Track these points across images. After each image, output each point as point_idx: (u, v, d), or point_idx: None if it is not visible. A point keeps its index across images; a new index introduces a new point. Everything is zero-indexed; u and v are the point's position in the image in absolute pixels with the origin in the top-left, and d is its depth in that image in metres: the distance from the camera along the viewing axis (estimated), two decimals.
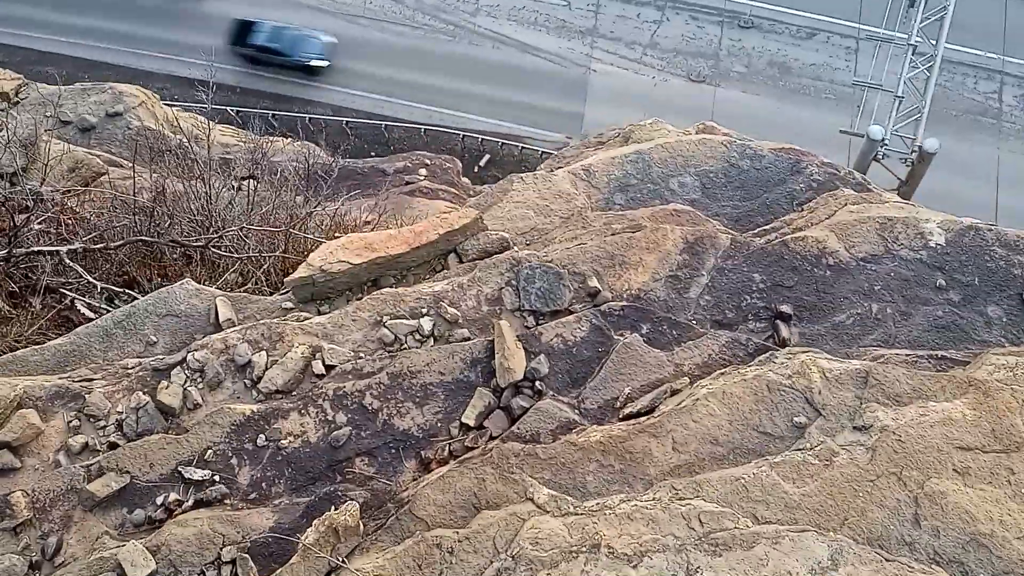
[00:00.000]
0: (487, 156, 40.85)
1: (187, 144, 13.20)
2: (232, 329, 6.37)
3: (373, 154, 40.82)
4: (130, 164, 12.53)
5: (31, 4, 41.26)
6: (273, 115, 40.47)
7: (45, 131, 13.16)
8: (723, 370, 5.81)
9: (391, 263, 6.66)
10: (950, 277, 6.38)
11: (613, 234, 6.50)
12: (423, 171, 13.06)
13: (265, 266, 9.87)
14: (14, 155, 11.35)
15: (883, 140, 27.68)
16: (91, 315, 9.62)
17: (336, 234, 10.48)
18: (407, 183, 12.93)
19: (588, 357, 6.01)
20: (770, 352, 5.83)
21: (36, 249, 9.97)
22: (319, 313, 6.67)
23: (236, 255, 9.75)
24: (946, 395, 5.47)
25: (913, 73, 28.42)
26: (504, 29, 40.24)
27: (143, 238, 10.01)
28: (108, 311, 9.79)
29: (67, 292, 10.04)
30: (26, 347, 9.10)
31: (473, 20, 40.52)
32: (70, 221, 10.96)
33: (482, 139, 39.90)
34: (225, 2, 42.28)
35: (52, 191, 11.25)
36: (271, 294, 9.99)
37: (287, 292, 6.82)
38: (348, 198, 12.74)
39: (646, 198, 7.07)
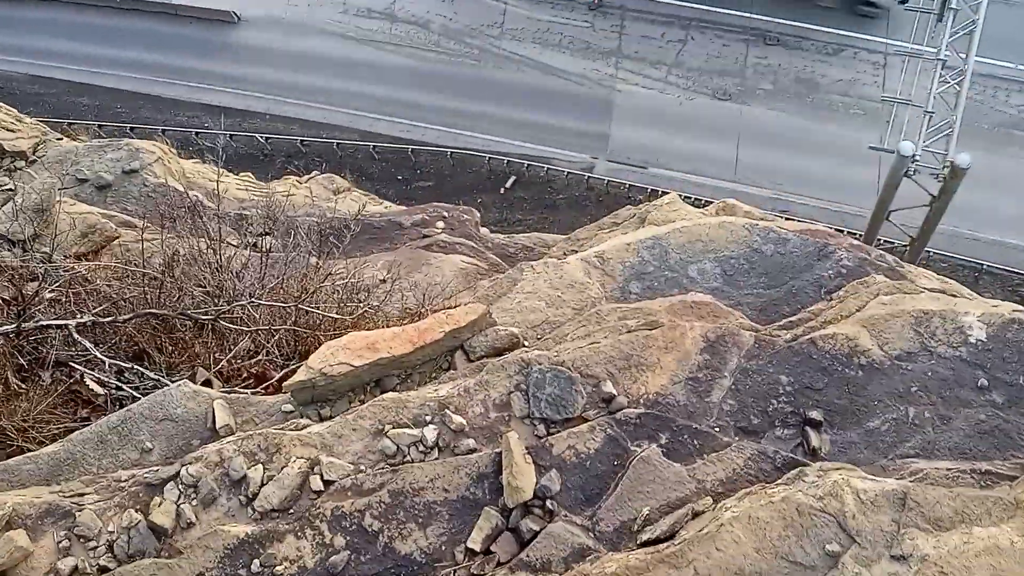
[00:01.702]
0: (513, 178, 40.71)
1: (201, 201, 13.05)
2: (228, 439, 6.08)
3: (400, 177, 40.90)
4: (145, 224, 12.41)
5: (66, 37, 41.93)
6: (302, 141, 40.75)
7: (60, 190, 13.09)
8: (749, 489, 5.40)
9: (395, 363, 6.33)
10: (992, 376, 5.91)
11: (628, 331, 6.12)
12: (440, 223, 12.77)
13: (276, 337, 9.63)
14: (26, 221, 11.26)
15: (914, 156, 27.01)
16: (99, 390, 9.43)
17: (348, 304, 10.23)
18: (424, 236, 12.63)
19: (603, 471, 5.63)
20: (799, 468, 5.41)
21: (45, 323, 9.80)
22: (320, 416, 6.36)
23: (245, 328, 9.51)
24: (992, 519, 5.02)
25: (943, 88, 27.73)
26: (529, 51, 40.13)
27: (152, 311, 9.81)
28: (117, 385, 9.63)
29: (76, 366, 9.87)
30: (34, 426, 8.93)
31: (498, 43, 40.43)
32: (81, 289, 10.83)
33: (508, 161, 39.82)
34: (253, 31, 42.69)
35: (63, 258, 11.15)
36: (283, 365, 9.79)
37: (287, 394, 6.51)
38: (362, 255, 12.49)
39: (664, 287, 6.68)
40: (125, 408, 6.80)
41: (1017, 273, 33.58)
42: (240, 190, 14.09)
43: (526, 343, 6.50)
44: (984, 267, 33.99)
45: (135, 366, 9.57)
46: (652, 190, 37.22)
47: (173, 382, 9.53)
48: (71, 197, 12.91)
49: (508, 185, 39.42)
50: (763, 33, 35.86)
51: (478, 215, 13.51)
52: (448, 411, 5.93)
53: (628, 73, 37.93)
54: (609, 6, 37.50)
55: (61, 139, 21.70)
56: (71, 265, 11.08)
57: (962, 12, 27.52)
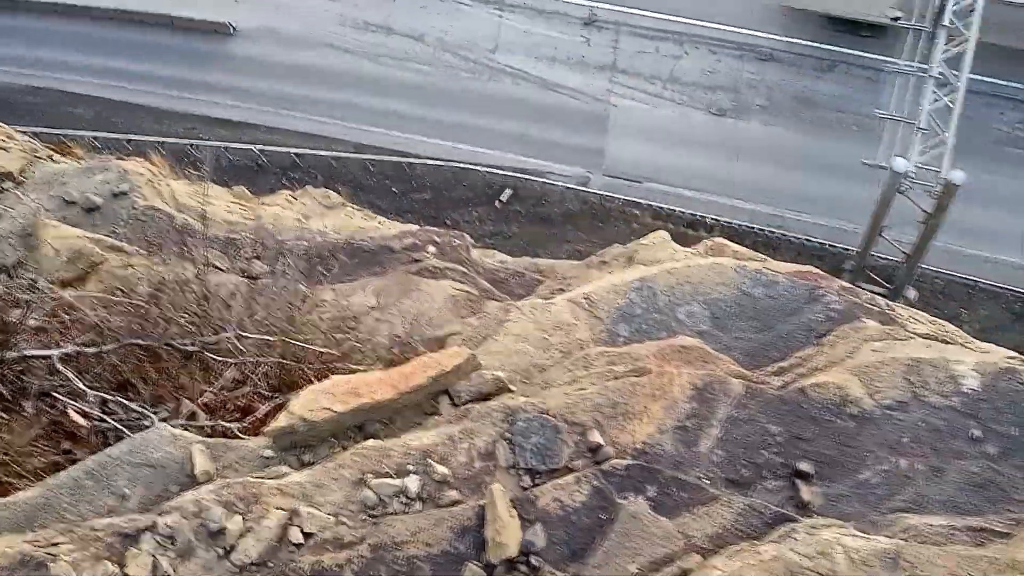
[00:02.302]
0: (509, 191, 40.65)
1: (190, 225, 12.93)
2: (206, 488, 5.95)
3: (396, 190, 40.84)
4: (132, 248, 12.30)
5: (62, 47, 41.85)
6: (298, 154, 40.68)
7: (47, 213, 12.96)
8: (738, 546, 5.29)
9: (378, 409, 6.22)
10: (986, 427, 5.81)
11: (616, 378, 6.02)
12: (431, 248, 12.66)
13: (262, 369, 9.50)
14: (11, 247, 11.13)
15: (907, 173, 26.99)
16: (82, 422, 9.30)
17: (336, 333, 10.12)
18: (415, 260, 12.52)
19: (589, 525, 5.51)
20: (790, 525, 5.30)
21: (28, 353, 9.67)
22: (301, 462, 6.24)
23: (231, 360, 9.39)
24: None
25: (936, 105, 27.77)
26: (524, 66, 40.13)
27: (136, 341, 9.69)
28: (100, 417, 9.49)
29: (60, 396, 9.73)
30: (16, 460, 8.78)
31: (493, 57, 40.44)
32: (66, 317, 10.70)
33: (504, 175, 39.77)
34: (248, 42, 42.67)
35: (48, 285, 11.03)
36: (269, 396, 9.65)
37: (268, 439, 6.39)
38: (352, 279, 12.38)
39: (652, 329, 6.58)
40: (103, 452, 6.66)
41: (1011, 290, 33.55)
42: (229, 213, 13.97)
43: (512, 387, 6.38)
44: (978, 284, 33.96)
45: (119, 397, 9.45)
46: (647, 204, 37.23)
47: (157, 413, 9.43)
48: (58, 220, 12.77)
49: (503, 199, 39.38)
50: (757, 49, 35.89)
51: (469, 239, 13.41)
52: (431, 460, 5.81)
53: (623, 88, 37.96)
54: (604, 21, 37.51)
55: (52, 156, 21.58)
56: (56, 293, 10.95)
57: (954, 30, 27.58)
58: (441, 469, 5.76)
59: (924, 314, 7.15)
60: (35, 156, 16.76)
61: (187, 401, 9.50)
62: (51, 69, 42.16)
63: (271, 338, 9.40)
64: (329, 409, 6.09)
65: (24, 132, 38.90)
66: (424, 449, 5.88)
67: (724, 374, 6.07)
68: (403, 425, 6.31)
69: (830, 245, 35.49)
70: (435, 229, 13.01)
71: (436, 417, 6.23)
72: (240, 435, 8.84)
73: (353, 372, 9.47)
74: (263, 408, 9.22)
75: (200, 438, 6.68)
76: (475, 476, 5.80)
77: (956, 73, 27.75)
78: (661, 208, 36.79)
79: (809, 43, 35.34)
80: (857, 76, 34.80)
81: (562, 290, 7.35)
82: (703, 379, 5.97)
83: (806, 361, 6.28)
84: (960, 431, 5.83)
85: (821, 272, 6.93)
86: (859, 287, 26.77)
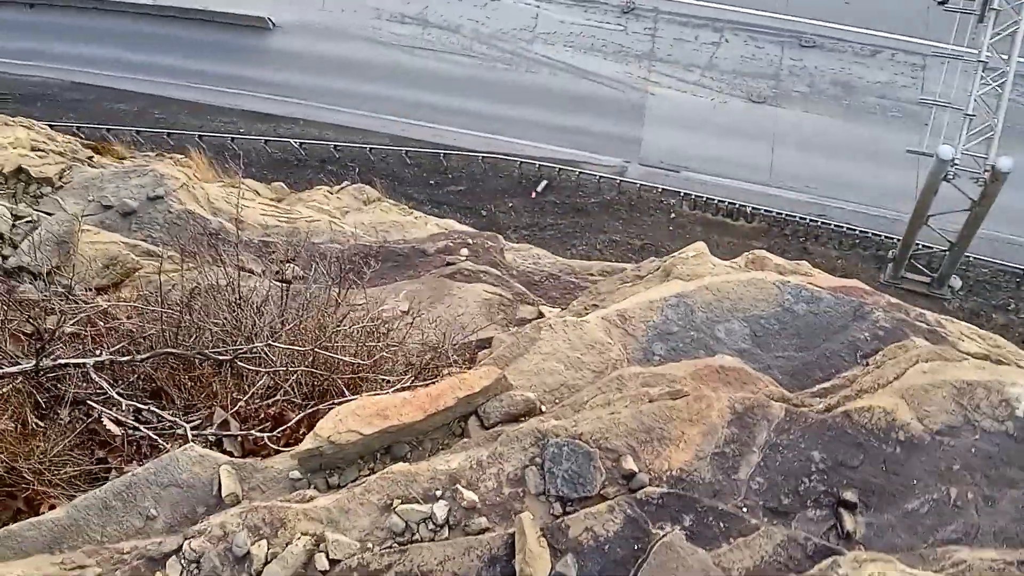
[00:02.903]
0: (544, 182, 40.47)
1: (225, 229, 12.94)
2: (232, 511, 5.87)
3: (432, 182, 40.86)
4: (168, 253, 12.32)
5: (105, 44, 42.48)
6: (336, 146, 40.89)
7: (84, 217, 13.06)
8: None
9: (405, 431, 6.08)
10: None
11: (651, 400, 5.81)
12: (464, 251, 12.52)
13: (293, 378, 9.44)
14: (48, 254, 11.20)
15: (953, 160, 26.35)
16: (116, 430, 9.31)
17: (368, 342, 10.01)
18: (448, 264, 12.39)
19: (623, 557, 5.32)
20: (832, 559, 5.06)
21: (63, 362, 9.71)
22: (328, 484, 6.13)
23: (262, 369, 9.34)
24: None
25: (984, 90, 26.99)
26: (561, 55, 39.87)
27: (170, 350, 9.68)
28: (134, 426, 9.51)
29: (94, 404, 9.77)
30: (50, 468, 8.82)
31: (530, 47, 40.21)
32: (101, 324, 10.75)
33: (539, 165, 39.63)
34: (287, 37, 42.90)
35: (84, 292, 11.08)
36: (302, 405, 9.59)
37: (295, 460, 6.29)
38: (385, 282, 12.28)
39: (689, 348, 6.35)
40: (130, 472, 6.62)
41: None
42: (264, 215, 13.96)
43: (543, 408, 6.21)
44: None
45: (152, 406, 9.45)
46: (685, 193, 36.79)
47: (189, 422, 9.42)
48: (96, 225, 12.88)
49: (539, 189, 39.19)
50: (798, 35, 35.18)
51: (503, 241, 13.24)
52: (459, 486, 5.66)
53: (661, 76, 37.53)
54: (642, 9, 37.05)
55: (92, 157, 21.83)
56: (91, 300, 10.99)
57: (1004, 12, 26.75)
58: (469, 495, 5.61)
59: (975, 329, 6.83)
60: (74, 158, 16.93)
61: (219, 410, 9.47)
62: (94, 65, 42.84)
63: (301, 348, 9.31)
64: (356, 431, 5.97)
65: (68, 127, 39.51)
66: (452, 474, 5.73)
67: (765, 397, 5.83)
68: (431, 447, 6.17)
69: (873, 234, 34.83)
70: (468, 231, 12.86)
71: (465, 440, 6.07)
72: (270, 444, 8.83)
73: (384, 382, 9.40)
74: (295, 418, 9.17)
75: (227, 458, 6.60)
76: (504, 502, 5.64)
77: (1005, 57, 26.93)
78: (700, 197, 36.37)
79: (851, 28, 34.53)
80: (902, 62, 33.98)
81: (596, 306, 7.15)
82: (743, 403, 5.74)
83: (852, 383, 6.01)
84: (1014, 458, 5.53)
85: (867, 287, 6.64)
86: (904, 277, 26.34)
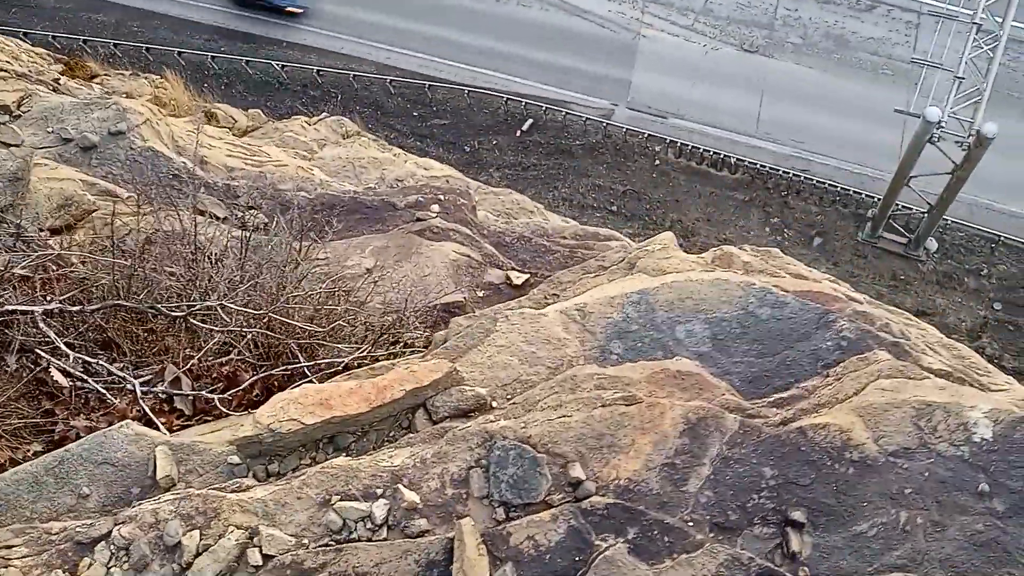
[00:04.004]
0: (530, 120, 39.87)
1: (188, 169, 12.49)
2: (165, 498, 5.68)
3: (415, 114, 40.06)
4: (127, 193, 11.89)
5: None
6: (319, 71, 39.93)
7: (43, 150, 12.55)
8: None
9: (349, 422, 5.88)
10: (995, 481, 5.40)
11: (604, 405, 5.63)
12: (435, 207, 12.18)
13: (248, 338, 9.19)
14: (0, 191, 10.76)
15: (940, 122, 26.12)
16: (64, 382, 9.08)
17: (325, 306, 9.74)
18: (418, 219, 12.06)
19: (563, 568, 5.21)
20: None
21: (10, 308, 9.39)
22: (267, 472, 5.95)
23: (216, 328, 9.07)
24: None
25: (976, 53, 26.61)
26: None
27: (121, 303, 9.38)
28: (83, 378, 9.26)
29: (43, 353, 9.49)
30: None
31: None
32: (53, 267, 10.39)
33: (526, 103, 39.05)
34: None
35: (38, 232, 10.69)
36: (255, 365, 9.37)
37: (234, 445, 6.08)
38: (352, 235, 11.96)
39: (647, 348, 6.15)
40: (63, 448, 6.40)
41: None
42: (230, 156, 13.49)
43: (495, 403, 6.02)
44: (1001, 239, 33.25)
45: (101, 360, 9.20)
46: (671, 140, 36.34)
47: (140, 377, 9.19)
48: (54, 159, 12.38)
49: (524, 128, 38.55)
50: None
51: (475, 198, 12.89)
52: (401, 485, 5.50)
53: (654, 18, 36.71)
54: None
55: (61, 76, 21.04)
56: (44, 242, 10.62)
57: None
58: (410, 496, 5.45)
59: (940, 338, 6.67)
60: (38, 80, 16.29)
61: (171, 367, 9.24)
62: None
63: (256, 311, 9.03)
64: (297, 421, 5.76)
65: (43, 36, 38.02)
66: (394, 471, 5.56)
67: (719, 406, 5.66)
68: (376, 439, 5.99)
69: (854, 191, 34.72)
70: (439, 187, 12.48)
71: (411, 434, 5.89)
72: (221, 406, 8.63)
73: (338, 351, 9.18)
74: (248, 380, 8.96)
75: (164, 438, 6.39)
76: (446, 504, 5.49)
77: (999, 20, 26.46)
78: (685, 145, 35.98)
79: None
80: (897, 19, 33.38)
81: (556, 296, 6.91)
82: (697, 412, 5.57)
83: (810, 394, 5.85)
84: (967, 484, 5.43)
85: (834, 293, 6.44)
86: (881, 237, 26.24)
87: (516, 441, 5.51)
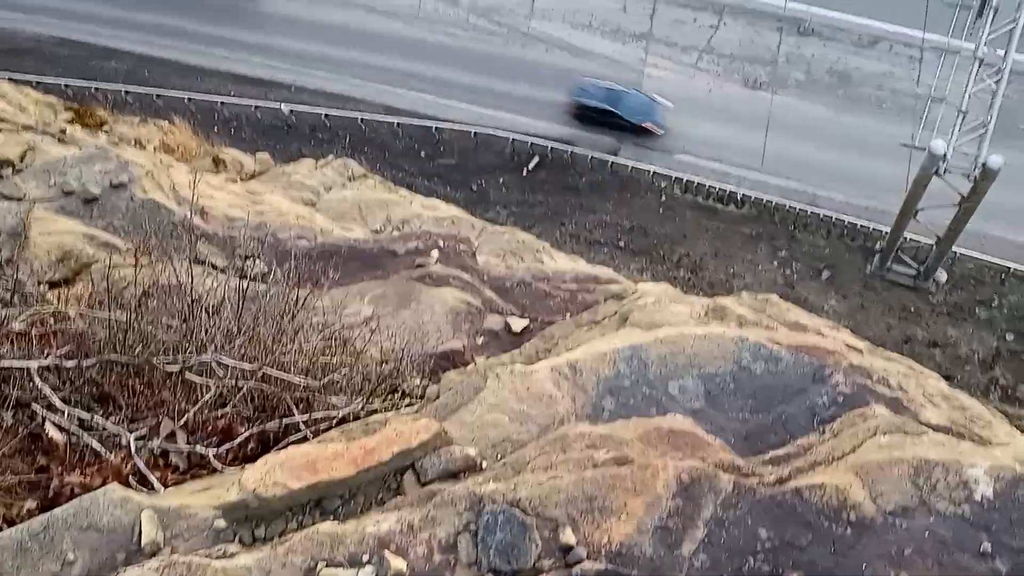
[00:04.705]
0: (536, 159, 40.03)
1: (188, 220, 12.52)
2: (150, 565, 5.58)
3: (423, 154, 40.30)
4: (127, 244, 11.93)
5: (96, 0, 41.52)
6: (326, 115, 40.29)
7: (45, 202, 12.63)
8: None
9: (336, 485, 5.79)
10: (997, 540, 5.25)
11: (595, 466, 5.52)
12: (435, 252, 12.16)
13: (243, 391, 9.13)
14: (0, 245, 10.81)
15: (945, 155, 26.09)
16: (59, 438, 9.04)
17: (323, 356, 9.68)
18: (417, 265, 12.04)
19: None
20: None
21: (5, 365, 9.37)
22: (253, 536, 5.84)
23: (212, 382, 9.01)
24: None
25: (979, 87, 26.62)
26: (558, 32, 39.26)
27: (116, 358, 9.35)
28: (76, 435, 9.20)
29: (38, 408, 9.45)
30: None
31: (527, 23, 39.54)
32: (51, 320, 10.39)
33: (532, 142, 39.24)
34: (282, 1, 42.03)
35: (37, 285, 10.70)
36: (250, 419, 9.30)
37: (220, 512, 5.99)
38: (353, 282, 11.93)
39: (640, 404, 6.04)
40: (48, 513, 6.31)
41: None
42: (231, 207, 13.55)
43: (484, 464, 5.92)
44: (1011, 269, 33.04)
45: (96, 414, 9.15)
46: (677, 177, 36.39)
47: (135, 431, 9.11)
48: (56, 211, 12.46)
49: (531, 166, 38.70)
50: (798, 22, 34.59)
51: (475, 244, 12.88)
52: (388, 551, 5.38)
53: (658, 57, 36.93)
54: None
55: (69, 124, 21.26)
56: (42, 296, 10.62)
57: (1003, 9, 26.29)
58: (397, 562, 5.33)
59: (941, 389, 6.54)
60: (45, 131, 16.46)
61: (167, 420, 9.18)
62: (86, 21, 41.99)
63: (250, 366, 8.98)
64: (283, 485, 5.67)
65: (55, 84, 38.56)
66: (381, 537, 5.44)
67: (713, 466, 5.54)
68: (364, 502, 5.88)
69: (861, 225, 34.62)
70: (440, 232, 12.48)
71: (399, 497, 5.78)
72: (216, 461, 8.54)
73: (333, 406, 9.10)
74: (243, 433, 8.88)
75: (150, 502, 6.30)
76: (434, 571, 5.36)
77: (1001, 53, 26.50)
78: (691, 181, 36.02)
79: (851, 18, 33.96)
80: (899, 54, 33.49)
81: (549, 351, 6.84)
82: (690, 473, 5.45)
83: (807, 451, 5.73)
84: (969, 544, 5.27)
85: (830, 345, 6.33)
86: (889, 270, 26.12)
87: (505, 504, 5.40)
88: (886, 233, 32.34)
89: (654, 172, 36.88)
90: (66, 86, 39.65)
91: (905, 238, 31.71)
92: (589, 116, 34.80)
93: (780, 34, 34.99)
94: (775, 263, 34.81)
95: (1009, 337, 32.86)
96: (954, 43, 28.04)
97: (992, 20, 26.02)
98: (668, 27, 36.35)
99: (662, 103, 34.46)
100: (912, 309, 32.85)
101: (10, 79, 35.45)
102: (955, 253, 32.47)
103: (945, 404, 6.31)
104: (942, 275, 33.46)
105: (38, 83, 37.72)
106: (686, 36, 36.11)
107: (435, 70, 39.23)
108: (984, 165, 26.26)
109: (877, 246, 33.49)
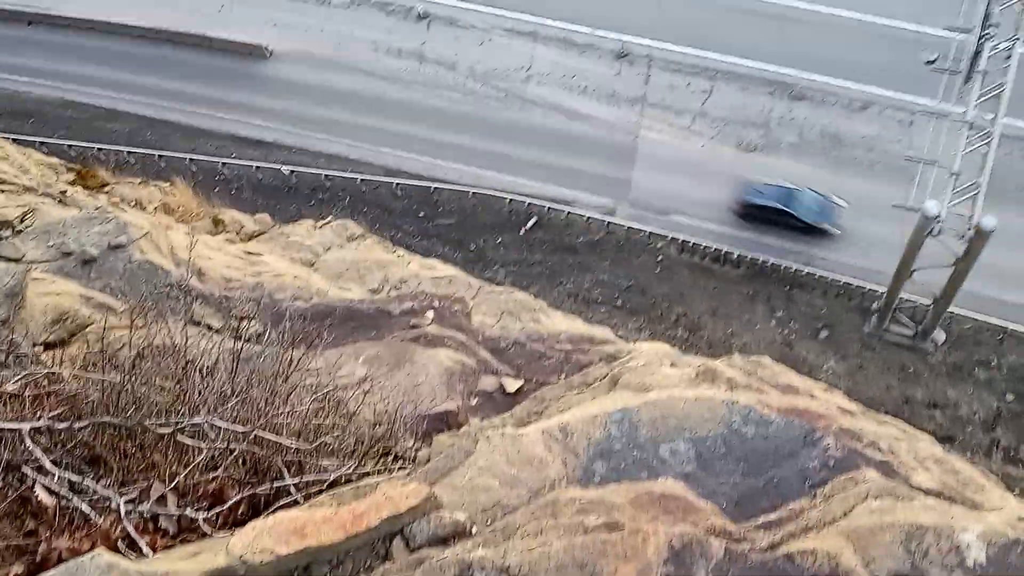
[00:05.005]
0: (534, 219, 40.38)
1: (185, 281, 12.62)
2: None
3: (422, 214, 40.62)
4: (123, 306, 11.99)
5: (101, 63, 42.37)
6: (327, 175, 40.75)
7: (43, 262, 12.73)
8: None
9: (325, 551, 5.74)
10: None
11: (585, 532, 5.48)
12: (430, 314, 12.23)
13: (235, 454, 9.09)
14: None
15: (938, 217, 26.36)
16: (48, 501, 8.96)
17: (316, 419, 9.67)
18: (412, 326, 12.09)
19: None
20: None
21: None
22: None
23: (203, 444, 8.98)
24: None
25: (970, 149, 27.02)
26: (554, 96, 39.98)
27: (109, 420, 9.33)
28: (66, 498, 9.13)
29: (28, 471, 9.39)
30: None
31: (524, 87, 40.30)
32: (45, 381, 10.39)
33: (529, 202, 39.61)
34: (284, 65, 42.88)
35: (30, 349, 10.73)
36: (242, 481, 9.24)
37: None
38: (348, 343, 11.96)
39: (631, 468, 6.03)
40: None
41: None
42: (228, 268, 13.65)
43: (474, 529, 5.87)
44: (1008, 330, 33.12)
45: (87, 477, 9.09)
46: (673, 237, 36.67)
47: (125, 495, 9.04)
48: (54, 272, 12.55)
49: (528, 226, 39.07)
50: (789, 87, 35.27)
51: (470, 304, 12.94)
52: None
53: (652, 121, 37.55)
54: (636, 55, 37.13)
55: (69, 185, 21.50)
56: (36, 356, 10.64)
57: (990, 74, 26.84)
58: None
59: (933, 452, 6.53)
60: (45, 193, 16.65)
61: (158, 483, 9.12)
62: (89, 84, 42.77)
63: (242, 428, 8.96)
64: (271, 551, 5.62)
65: (58, 145, 39.08)
66: None
67: (705, 531, 5.51)
68: (352, 568, 5.82)
69: (858, 285, 34.81)
70: (435, 293, 12.55)
71: (388, 563, 5.73)
72: (205, 526, 8.46)
73: (324, 468, 9.06)
74: (234, 497, 8.81)
75: (138, 567, 6.24)
76: None
77: (990, 117, 26.98)
78: (687, 241, 36.29)
79: (841, 82, 34.64)
80: (890, 118, 34.08)
81: (539, 414, 6.85)
82: (681, 538, 5.41)
83: (798, 515, 5.69)
84: None
85: (819, 411, 6.34)
86: (887, 330, 26.11)
87: (495, 571, 5.34)
88: (883, 293, 32.50)
89: (651, 232, 37.19)
90: (70, 147, 40.20)
91: (902, 298, 31.83)
92: (757, 216, 33.30)
93: (772, 98, 35.66)
94: (773, 322, 34.89)
95: (1009, 398, 32.77)
96: (944, 107, 28.56)
97: (980, 84, 26.55)
98: (662, 91, 37.05)
99: (837, 202, 33.60)
100: (911, 369, 32.82)
101: (14, 140, 35.99)
102: (952, 313, 32.58)
103: (937, 468, 6.29)
104: (940, 335, 33.51)
105: (42, 144, 38.28)
106: (680, 100, 36.78)
107: (434, 132, 39.85)
108: (977, 226, 26.52)
109: (874, 306, 33.62)
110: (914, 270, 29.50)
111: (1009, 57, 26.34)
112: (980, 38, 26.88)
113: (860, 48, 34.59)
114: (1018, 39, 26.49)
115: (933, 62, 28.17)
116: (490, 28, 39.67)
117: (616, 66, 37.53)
